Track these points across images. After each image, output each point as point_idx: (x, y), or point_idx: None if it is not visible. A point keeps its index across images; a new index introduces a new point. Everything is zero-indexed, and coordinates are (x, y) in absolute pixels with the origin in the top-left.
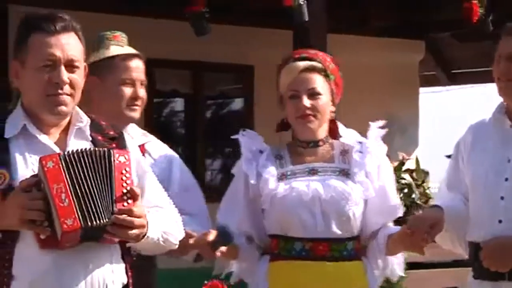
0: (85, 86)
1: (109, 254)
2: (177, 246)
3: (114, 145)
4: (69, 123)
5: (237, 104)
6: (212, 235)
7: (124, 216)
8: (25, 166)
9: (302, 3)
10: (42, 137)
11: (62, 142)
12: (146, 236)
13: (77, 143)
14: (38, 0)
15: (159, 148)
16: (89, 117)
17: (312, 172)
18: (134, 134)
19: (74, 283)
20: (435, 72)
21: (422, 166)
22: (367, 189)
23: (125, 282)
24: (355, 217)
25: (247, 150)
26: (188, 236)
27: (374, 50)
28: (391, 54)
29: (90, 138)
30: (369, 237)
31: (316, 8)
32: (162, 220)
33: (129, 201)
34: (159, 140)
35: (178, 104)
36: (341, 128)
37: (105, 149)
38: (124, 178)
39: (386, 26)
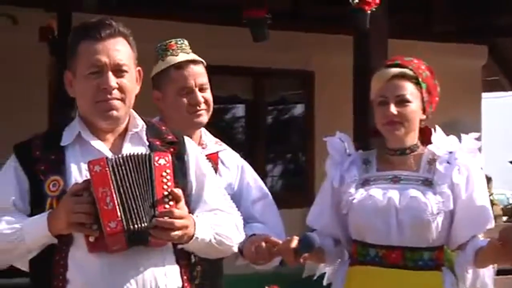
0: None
1: (161, 257)
2: (236, 250)
3: (172, 150)
4: (126, 128)
5: (298, 109)
6: (294, 242)
7: (165, 218)
8: (79, 172)
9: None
10: (95, 143)
11: (117, 147)
12: (195, 238)
13: (132, 149)
14: (100, 7)
15: (232, 157)
16: (147, 122)
17: (394, 180)
18: (208, 142)
19: (126, 287)
20: (498, 78)
21: (484, 172)
22: (447, 200)
23: (180, 286)
24: (432, 228)
25: (337, 153)
26: (272, 243)
27: (435, 55)
28: (453, 59)
29: (147, 143)
30: (457, 248)
31: (377, 13)
32: (217, 223)
33: (171, 203)
34: (231, 149)
35: (239, 110)
36: (437, 135)
37: (146, 152)
38: (164, 180)
39: (448, 31)
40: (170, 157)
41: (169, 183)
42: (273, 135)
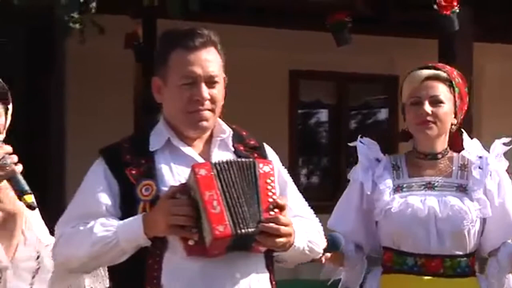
0: None
1: (255, 263)
2: (319, 253)
3: (255, 155)
4: (211, 134)
5: (382, 114)
6: None
7: (271, 224)
8: (172, 177)
9: (457, 11)
10: (186, 149)
11: (205, 153)
12: (293, 245)
13: (221, 154)
14: (184, 14)
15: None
16: (231, 128)
17: (429, 186)
18: None
19: None
20: None
21: None
22: (484, 207)
23: None
24: (470, 235)
25: (365, 158)
26: None
27: None
28: None
29: (233, 149)
30: (489, 254)
31: (463, 17)
32: (306, 229)
33: (275, 210)
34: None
35: (322, 114)
36: (465, 140)
37: (251, 159)
38: (269, 187)
39: None
40: (273, 165)
41: (273, 190)
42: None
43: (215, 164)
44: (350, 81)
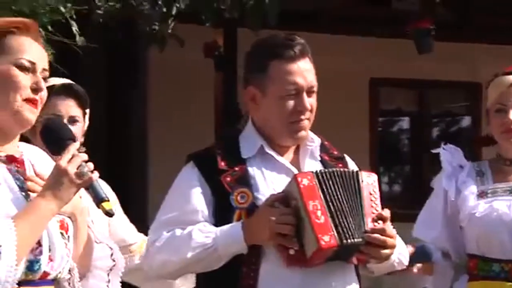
0: None
1: (348, 273)
2: (405, 267)
3: (340, 165)
4: (299, 144)
5: (465, 122)
6: (410, 250)
7: (377, 235)
8: (266, 185)
9: None
10: (279, 158)
11: (295, 162)
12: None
13: (310, 163)
14: (263, 24)
15: None
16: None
17: None
18: None
19: None
20: None
21: None
22: None
23: None
24: None
25: (448, 165)
26: None
27: None
28: None
29: (319, 158)
30: None
31: None
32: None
33: (379, 221)
34: None
35: (404, 122)
36: None
37: (354, 170)
38: (372, 198)
39: None
40: (375, 177)
41: (377, 202)
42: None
43: (317, 173)
44: (431, 89)
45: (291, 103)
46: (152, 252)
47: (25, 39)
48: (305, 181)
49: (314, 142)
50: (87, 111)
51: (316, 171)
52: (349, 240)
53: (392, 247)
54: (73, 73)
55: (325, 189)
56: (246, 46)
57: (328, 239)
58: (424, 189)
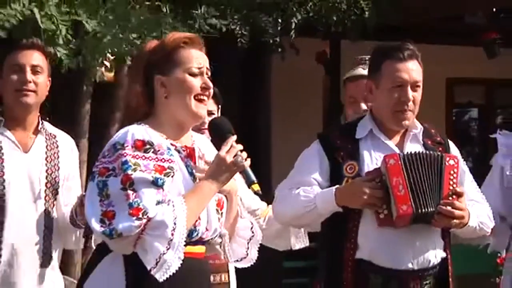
0: None
1: (432, 234)
2: (488, 232)
3: (440, 149)
4: (406, 129)
5: None
6: None
7: (448, 208)
8: (371, 161)
9: None
10: (386, 140)
11: (400, 144)
12: (467, 225)
13: (412, 146)
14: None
15: None
16: (422, 125)
17: None
18: None
19: (404, 255)
20: None
21: None
22: None
23: (444, 256)
24: None
25: (504, 147)
26: None
27: None
28: None
29: (422, 142)
30: None
31: None
32: (478, 213)
33: (454, 196)
34: None
35: (473, 113)
36: None
37: (438, 153)
38: (451, 177)
39: None
40: (458, 159)
41: (455, 180)
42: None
43: (403, 155)
44: (497, 86)
45: (397, 94)
46: (275, 203)
47: (192, 51)
48: (391, 161)
49: (417, 128)
50: (220, 106)
51: (402, 154)
52: (423, 210)
53: (460, 218)
54: (214, 76)
55: (408, 168)
56: (348, 54)
57: (406, 208)
58: (489, 167)
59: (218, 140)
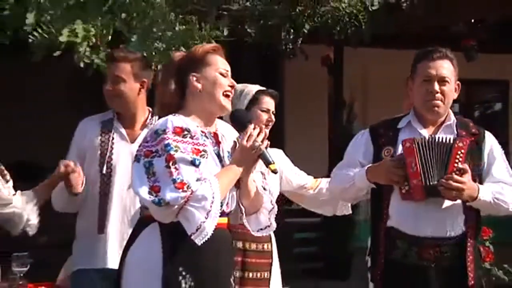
0: None
1: (452, 208)
2: (509, 208)
3: (472, 139)
4: (443, 121)
5: None
6: None
7: (447, 181)
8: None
9: None
10: (421, 130)
11: (434, 133)
12: (478, 199)
13: (443, 135)
14: (359, 43)
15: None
16: (456, 117)
17: None
18: None
19: (423, 224)
20: None
21: None
22: None
23: (464, 230)
24: None
25: None
26: None
27: None
28: None
29: (456, 133)
30: None
31: None
32: (498, 190)
33: (457, 172)
34: None
35: (455, 108)
36: None
37: (451, 138)
38: (458, 157)
39: None
40: (468, 142)
41: (460, 159)
42: None
43: (417, 139)
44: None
45: (425, 87)
46: (330, 181)
47: (218, 57)
48: (407, 144)
49: (450, 120)
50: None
51: (416, 138)
52: (430, 183)
53: (459, 190)
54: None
55: (421, 149)
56: (349, 58)
57: (416, 182)
58: None
59: (239, 129)
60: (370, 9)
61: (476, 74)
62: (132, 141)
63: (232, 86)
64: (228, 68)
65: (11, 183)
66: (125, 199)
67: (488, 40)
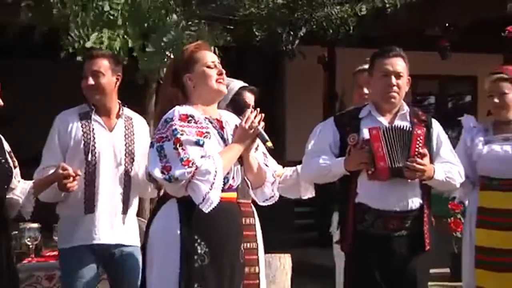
0: None
1: (411, 186)
2: (456, 185)
3: (422, 125)
4: (398, 111)
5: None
6: None
7: (411, 163)
8: (368, 133)
9: None
10: (380, 118)
11: (391, 121)
12: (434, 178)
13: (400, 123)
14: (349, 45)
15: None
16: (409, 107)
17: (505, 139)
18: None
19: (389, 200)
20: None
21: None
22: None
23: (421, 203)
24: None
25: (466, 125)
26: None
27: None
28: None
29: (409, 120)
30: None
31: None
32: (447, 169)
33: (418, 155)
34: None
35: (431, 100)
36: None
37: (408, 125)
38: (417, 143)
39: None
40: (423, 129)
41: (420, 144)
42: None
43: (382, 127)
44: (448, 80)
45: (384, 81)
46: (302, 167)
47: (203, 52)
48: (374, 131)
49: (404, 110)
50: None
51: (382, 126)
52: (395, 165)
53: (421, 171)
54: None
55: (386, 136)
56: (341, 57)
57: (383, 164)
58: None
59: (238, 113)
60: (359, 14)
61: (450, 71)
62: (111, 130)
63: (221, 73)
64: (215, 58)
65: (18, 169)
66: (110, 182)
67: (460, 41)
